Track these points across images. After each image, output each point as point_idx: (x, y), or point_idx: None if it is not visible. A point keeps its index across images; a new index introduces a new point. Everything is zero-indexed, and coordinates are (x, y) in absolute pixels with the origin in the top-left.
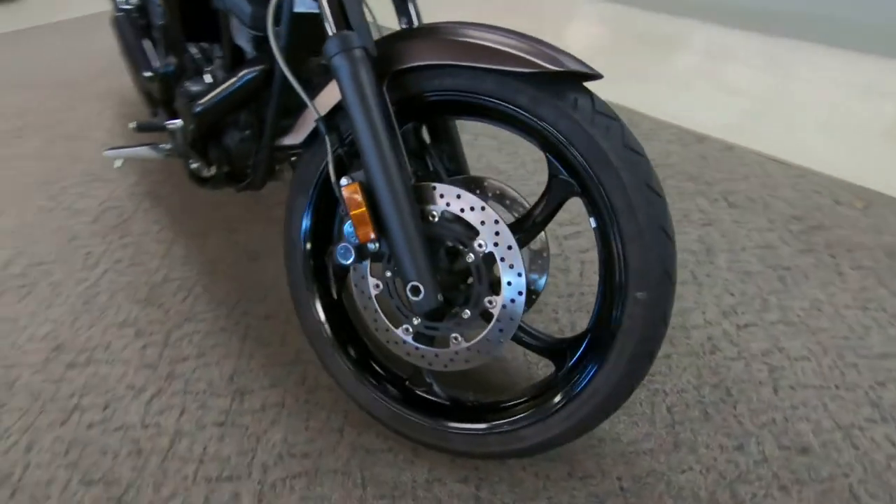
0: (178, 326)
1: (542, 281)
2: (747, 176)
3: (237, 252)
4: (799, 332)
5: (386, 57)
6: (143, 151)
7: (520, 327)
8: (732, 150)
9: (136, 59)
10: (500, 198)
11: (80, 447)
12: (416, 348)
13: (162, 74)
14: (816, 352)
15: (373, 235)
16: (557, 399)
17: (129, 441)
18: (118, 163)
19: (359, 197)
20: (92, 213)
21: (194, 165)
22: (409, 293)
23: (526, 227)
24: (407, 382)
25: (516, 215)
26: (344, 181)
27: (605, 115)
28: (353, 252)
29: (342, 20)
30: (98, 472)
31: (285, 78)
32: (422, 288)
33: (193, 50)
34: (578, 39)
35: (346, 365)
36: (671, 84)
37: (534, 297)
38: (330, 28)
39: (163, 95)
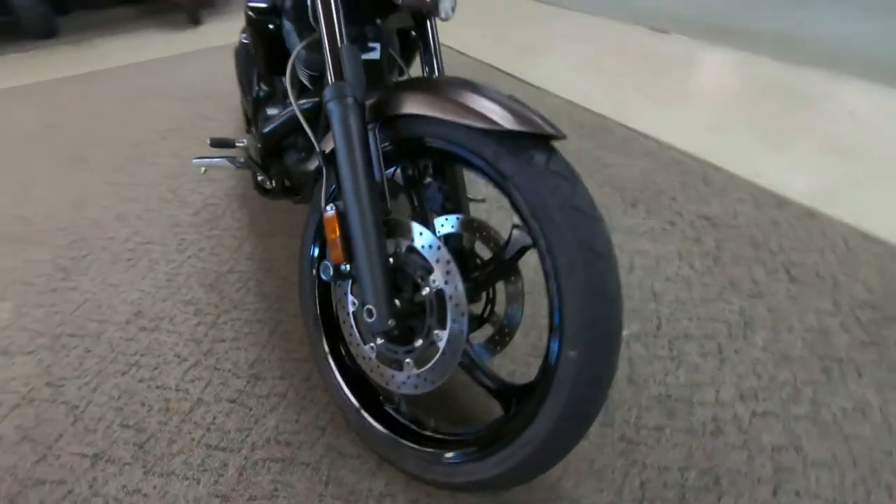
0: (226, 311)
1: (516, 319)
2: (823, 249)
3: (290, 254)
4: (828, 434)
5: (381, 104)
6: (222, 162)
7: (479, 367)
8: (814, 219)
9: (242, 84)
10: (486, 239)
11: (128, 396)
12: (378, 366)
13: (253, 99)
14: (843, 461)
15: (343, 259)
16: (497, 443)
17: (162, 399)
18: (202, 170)
19: (335, 224)
20: (195, 206)
21: (259, 178)
22: (365, 314)
23: (481, 271)
24: (380, 397)
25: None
26: (329, 209)
27: (558, 173)
28: (331, 270)
29: (339, 72)
30: (133, 419)
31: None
32: (374, 311)
33: (278, 82)
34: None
35: (332, 371)
36: (762, 136)
37: (507, 333)
38: (329, 78)
39: (252, 116)
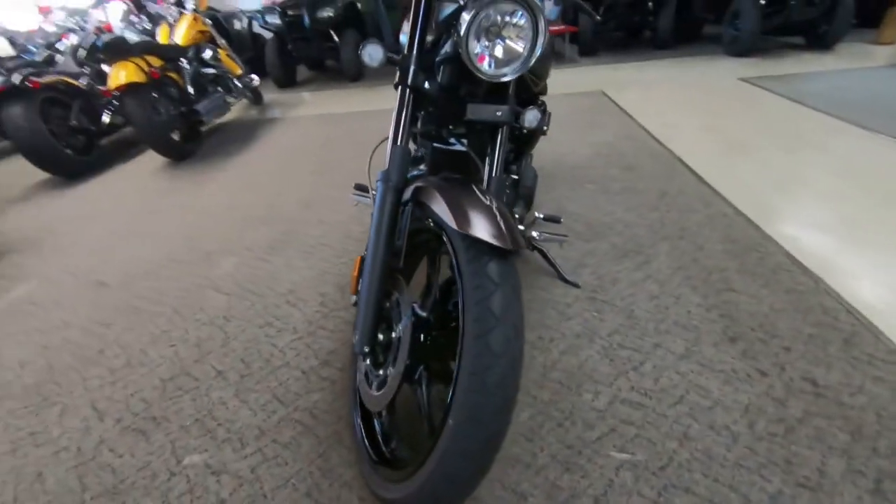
0: (338, 310)
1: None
2: None
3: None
4: None
5: (417, 190)
6: (367, 200)
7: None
8: None
9: None
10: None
11: (253, 343)
12: (363, 381)
13: None
14: None
15: (353, 291)
16: (409, 471)
17: (268, 353)
18: (355, 203)
19: (358, 264)
20: (365, 226)
21: None
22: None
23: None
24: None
25: None
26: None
27: (490, 277)
28: (352, 301)
29: (392, 163)
30: (248, 359)
31: None
32: (355, 337)
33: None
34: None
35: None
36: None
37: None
38: (385, 164)
39: None
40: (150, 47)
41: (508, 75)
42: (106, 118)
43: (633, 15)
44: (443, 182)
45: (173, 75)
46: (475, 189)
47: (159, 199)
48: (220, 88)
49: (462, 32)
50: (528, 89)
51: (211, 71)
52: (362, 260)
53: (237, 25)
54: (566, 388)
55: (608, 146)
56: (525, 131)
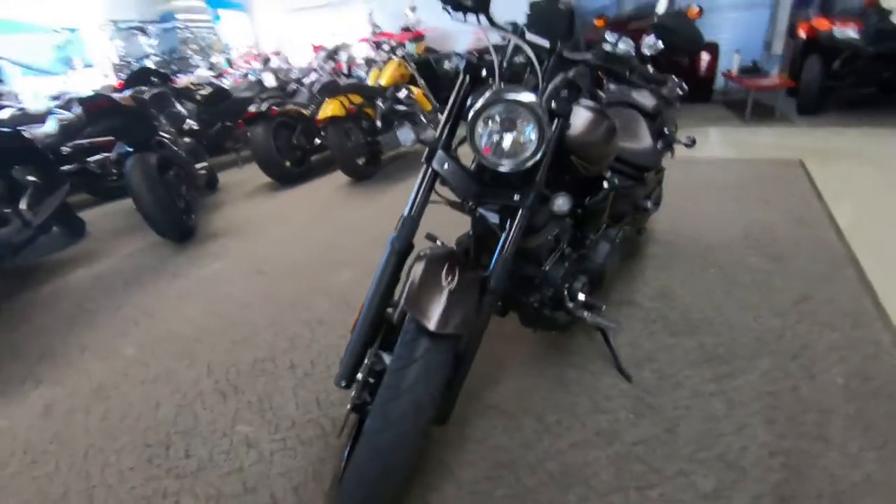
0: None
1: None
2: None
3: None
4: None
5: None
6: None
7: None
8: None
9: None
10: None
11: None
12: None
13: None
14: None
15: (351, 330)
16: None
17: (296, 333)
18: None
19: (359, 311)
20: None
21: None
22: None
23: None
24: None
25: None
26: None
27: (410, 357)
28: None
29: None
30: (286, 336)
31: None
32: (339, 369)
33: None
34: None
35: None
36: None
37: None
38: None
39: None
40: (355, 87)
41: (505, 167)
42: (317, 141)
43: (882, 70)
44: (430, 255)
45: (368, 110)
46: (446, 269)
47: (329, 211)
48: (407, 123)
49: (469, 119)
50: (578, 172)
51: (402, 108)
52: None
53: (446, 66)
54: (554, 483)
55: (765, 228)
56: (580, 211)
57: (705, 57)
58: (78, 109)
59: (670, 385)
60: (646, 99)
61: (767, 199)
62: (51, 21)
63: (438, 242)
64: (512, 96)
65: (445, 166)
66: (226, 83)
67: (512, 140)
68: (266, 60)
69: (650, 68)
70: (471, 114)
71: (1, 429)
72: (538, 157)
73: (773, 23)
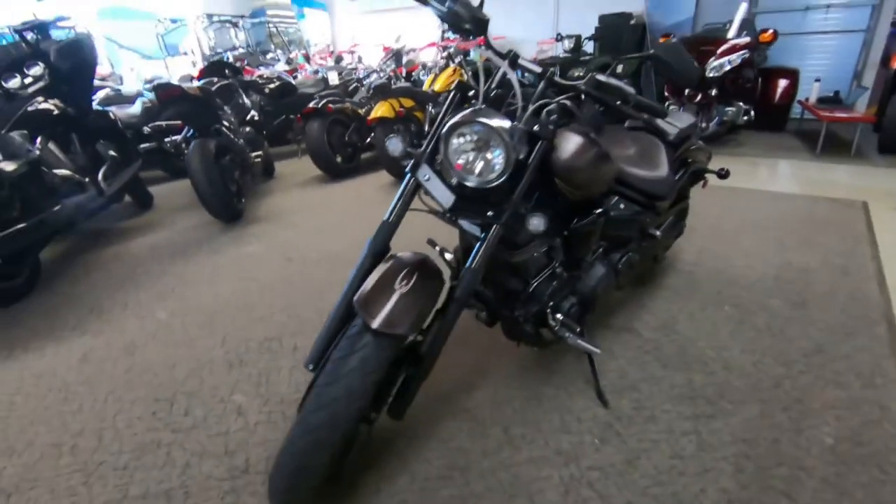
0: None
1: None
2: None
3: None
4: None
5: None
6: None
7: None
8: None
9: None
10: None
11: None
12: None
13: None
14: None
15: None
16: None
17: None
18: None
19: None
20: None
21: None
22: None
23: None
24: None
25: None
26: None
27: (350, 349)
28: None
29: None
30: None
31: None
32: (309, 353)
33: None
34: None
35: None
36: None
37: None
38: None
39: None
40: (406, 91)
41: (472, 183)
42: (368, 139)
43: None
44: (395, 259)
45: (418, 114)
46: (404, 274)
47: (369, 207)
48: None
49: (443, 134)
50: (567, 196)
51: None
52: None
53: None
54: (500, 492)
55: (800, 271)
56: (566, 233)
57: (782, 83)
58: (151, 95)
59: (645, 417)
60: (676, 124)
61: (811, 240)
62: (158, 10)
63: (437, 248)
64: (482, 118)
65: (428, 178)
66: (298, 78)
67: (481, 159)
68: (339, 59)
69: (714, 92)
70: (444, 129)
71: (48, 368)
72: (502, 179)
73: (865, 51)
